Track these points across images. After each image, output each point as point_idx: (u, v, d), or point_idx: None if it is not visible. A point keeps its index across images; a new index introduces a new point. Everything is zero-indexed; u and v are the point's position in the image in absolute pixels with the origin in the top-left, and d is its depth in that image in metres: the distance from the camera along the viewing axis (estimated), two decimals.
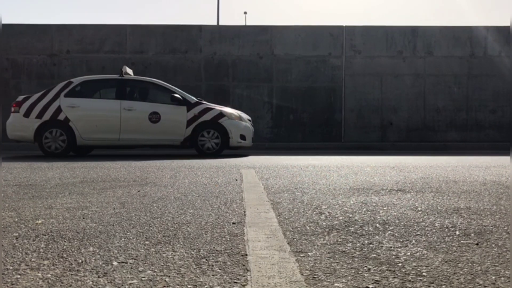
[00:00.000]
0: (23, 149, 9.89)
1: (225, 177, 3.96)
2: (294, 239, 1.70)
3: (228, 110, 7.81)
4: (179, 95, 7.66)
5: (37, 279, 1.25)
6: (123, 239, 1.71)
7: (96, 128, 7.53)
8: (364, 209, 2.33)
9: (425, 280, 1.23)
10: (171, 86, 7.98)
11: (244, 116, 8.08)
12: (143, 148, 8.20)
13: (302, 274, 1.29)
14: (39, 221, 2.03)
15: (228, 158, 6.96)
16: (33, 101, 7.58)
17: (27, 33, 11.57)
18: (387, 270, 1.32)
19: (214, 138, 7.60)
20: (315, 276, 1.27)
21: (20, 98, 7.77)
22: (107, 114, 7.56)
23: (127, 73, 8.16)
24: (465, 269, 1.32)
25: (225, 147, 7.66)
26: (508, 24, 11.78)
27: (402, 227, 1.90)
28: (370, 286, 1.19)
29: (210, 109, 7.64)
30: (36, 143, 7.56)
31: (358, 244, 1.62)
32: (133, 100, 7.68)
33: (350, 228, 1.88)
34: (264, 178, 3.81)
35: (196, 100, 7.78)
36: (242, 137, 7.70)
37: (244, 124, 7.82)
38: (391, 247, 1.58)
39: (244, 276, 1.28)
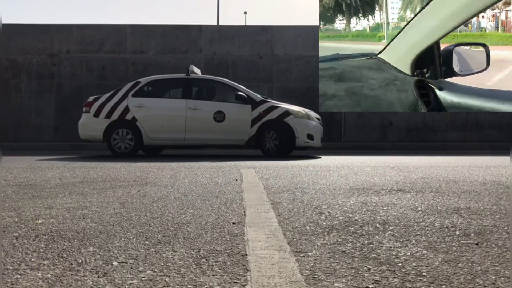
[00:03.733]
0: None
1: (225, 177, 3.96)
2: (294, 239, 1.70)
3: (294, 108, 7.44)
4: (244, 93, 7.41)
5: (37, 279, 1.25)
6: (123, 239, 1.71)
7: (162, 127, 7.42)
8: (364, 209, 2.33)
9: (425, 280, 1.23)
10: (236, 84, 7.78)
11: (313, 114, 7.64)
12: (208, 148, 7.93)
13: (302, 274, 1.29)
14: (39, 221, 2.03)
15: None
16: (103, 101, 7.58)
17: (27, 33, 11.56)
18: (387, 270, 1.32)
19: (275, 139, 7.23)
20: (315, 276, 1.27)
21: (91, 98, 7.80)
22: (173, 114, 7.46)
23: (193, 72, 8.04)
24: (465, 269, 1.32)
25: (291, 147, 7.28)
26: None
27: (402, 227, 1.90)
28: (370, 286, 1.19)
29: (276, 107, 7.30)
30: (105, 143, 7.55)
31: (358, 244, 1.62)
32: (199, 99, 7.56)
33: (350, 228, 1.88)
34: (264, 178, 3.81)
35: (262, 98, 7.52)
36: (310, 137, 7.24)
37: (312, 123, 7.38)
38: (391, 247, 1.58)
39: (244, 276, 1.28)
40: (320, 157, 7.22)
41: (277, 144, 7.21)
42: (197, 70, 8.37)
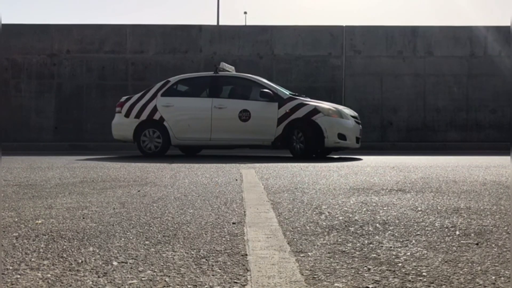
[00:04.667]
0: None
1: (225, 177, 3.96)
2: (294, 239, 1.70)
3: (324, 105, 6.88)
4: (270, 90, 6.99)
5: (37, 279, 1.25)
6: (123, 239, 1.71)
7: (189, 127, 7.25)
8: (364, 209, 2.32)
9: (425, 280, 1.23)
10: (264, 80, 7.45)
11: (347, 112, 7.06)
12: (234, 148, 7.58)
13: (302, 274, 1.28)
14: (39, 221, 2.03)
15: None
16: (133, 101, 7.54)
17: (27, 33, 11.57)
18: (387, 270, 1.32)
19: (301, 138, 6.74)
20: (315, 276, 1.27)
21: (123, 98, 7.77)
22: (199, 113, 7.26)
23: (224, 70, 7.82)
24: (465, 269, 1.32)
25: (319, 148, 6.81)
26: (508, 24, 11.78)
27: (402, 227, 1.90)
28: (370, 286, 1.19)
29: (304, 104, 6.79)
30: (136, 143, 7.50)
31: (358, 244, 1.62)
32: (225, 98, 7.30)
33: (350, 228, 1.88)
34: (264, 178, 3.81)
35: (290, 95, 7.07)
36: (341, 137, 6.67)
37: (345, 122, 6.81)
38: (391, 247, 1.58)
39: (244, 276, 1.28)
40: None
41: (309, 144, 6.71)
42: (229, 68, 8.06)
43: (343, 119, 6.82)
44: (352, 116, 7.09)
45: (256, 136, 7.00)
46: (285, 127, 6.81)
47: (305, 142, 6.71)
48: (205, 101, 7.30)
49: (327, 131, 6.63)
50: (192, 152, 8.35)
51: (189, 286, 1.19)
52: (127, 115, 7.50)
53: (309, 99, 7.10)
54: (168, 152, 7.89)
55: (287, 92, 7.17)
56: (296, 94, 7.39)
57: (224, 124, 7.13)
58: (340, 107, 7.09)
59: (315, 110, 6.72)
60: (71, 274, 1.29)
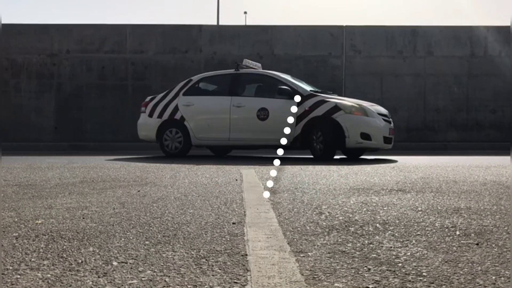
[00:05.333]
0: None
1: (225, 177, 3.96)
2: (294, 239, 1.70)
3: (346, 102, 6.41)
4: (289, 86, 6.60)
5: (37, 279, 1.25)
6: (123, 239, 1.71)
7: (208, 127, 7.04)
8: (364, 209, 2.32)
9: (425, 280, 1.23)
10: (284, 76, 7.04)
11: (373, 109, 6.49)
12: (253, 149, 7.31)
13: (302, 274, 1.28)
14: (39, 221, 2.03)
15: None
16: (157, 100, 7.46)
17: (27, 33, 11.56)
18: (387, 270, 1.32)
19: (320, 138, 6.29)
20: (315, 276, 1.27)
21: (148, 98, 7.71)
22: (218, 112, 7.02)
23: (248, 67, 7.46)
24: (465, 269, 1.32)
25: (340, 149, 6.45)
26: (508, 24, 11.77)
27: (402, 227, 1.90)
28: (370, 286, 1.19)
29: (324, 101, 6.33)
30: (158, 143, 7.40)
31: (358, 244, 1.62)
32: (244, 96, 7.03)
33: (350, 228, 1.88)
34: (264, 178, 3.81)
35: (310, 91, 6.61)
36: (365, 136, 6.17)
37: (370, 120, 6.29)
38: (391, 247, 1.58)
39: (244, 276, 1.28)
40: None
41: (327, 144, 6.26)
42: (254, 64, 7.71)
43: (368, 117, 6.31)
44: (381, 114, 6.55)
45: (273, 135, 6.56)
46: (304, 126, 6.39)
47: (324, 142, 6.27)
48: (224, 99, 7.06)
49: (349, 130, 6.15)
50: (222, 153, 8.12)
51: (189, 286, 1.19)
52: (150, 114, 7.42)
53: (332, 96, 6.73)
54: (195, 153, 7.74)
55: (308, 89, 6.75)
56: (319, 90, 7.00)
57: (243, 123, 6.85)
58: (365, 104, 6.61)
59: (336, 108, 6.24)
60: (71, 274, 1.29)
